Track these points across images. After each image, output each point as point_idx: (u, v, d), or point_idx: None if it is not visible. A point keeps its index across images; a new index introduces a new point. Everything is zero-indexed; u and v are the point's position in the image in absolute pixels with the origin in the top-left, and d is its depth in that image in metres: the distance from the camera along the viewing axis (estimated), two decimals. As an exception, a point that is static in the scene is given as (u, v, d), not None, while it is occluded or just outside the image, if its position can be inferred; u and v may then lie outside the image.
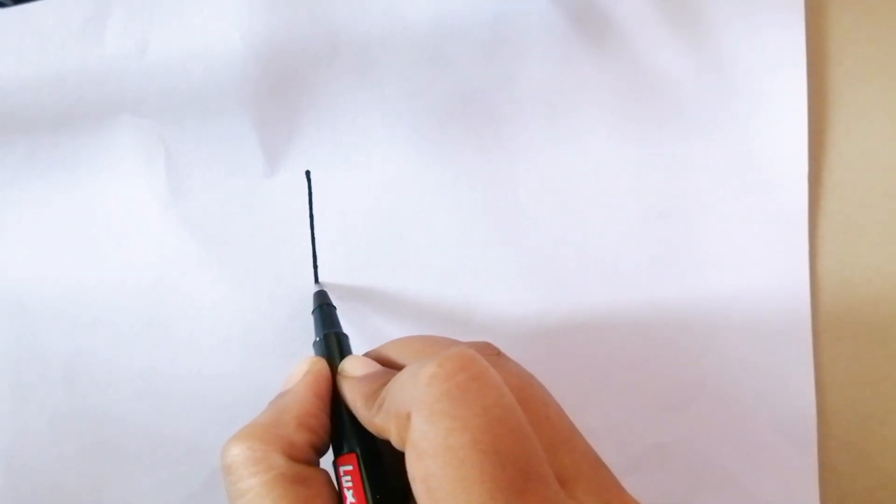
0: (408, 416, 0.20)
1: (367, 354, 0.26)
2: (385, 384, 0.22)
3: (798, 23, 0.31)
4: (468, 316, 0.33)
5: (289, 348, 0.33)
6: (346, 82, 0.33)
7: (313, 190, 0.33)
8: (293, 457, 0.22)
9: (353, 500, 0.22)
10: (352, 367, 0.25)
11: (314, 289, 0.32)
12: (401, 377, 0.22)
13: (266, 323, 0.33)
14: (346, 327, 0.29)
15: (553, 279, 0.32)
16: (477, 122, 0.32)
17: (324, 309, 0.30)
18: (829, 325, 0.31)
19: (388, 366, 0.25)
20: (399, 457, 0.21)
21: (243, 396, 0.33)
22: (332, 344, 0.27)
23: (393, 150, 0.33)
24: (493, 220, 0.32)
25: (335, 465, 0.24)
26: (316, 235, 0.33)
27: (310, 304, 0.32)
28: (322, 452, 0.24)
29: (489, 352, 0.24)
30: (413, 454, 0.19)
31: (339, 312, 0.30)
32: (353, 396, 0.24)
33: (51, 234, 0.34)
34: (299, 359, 0.26)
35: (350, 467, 0.23)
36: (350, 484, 0.23)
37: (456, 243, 0.33)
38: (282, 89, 0.33)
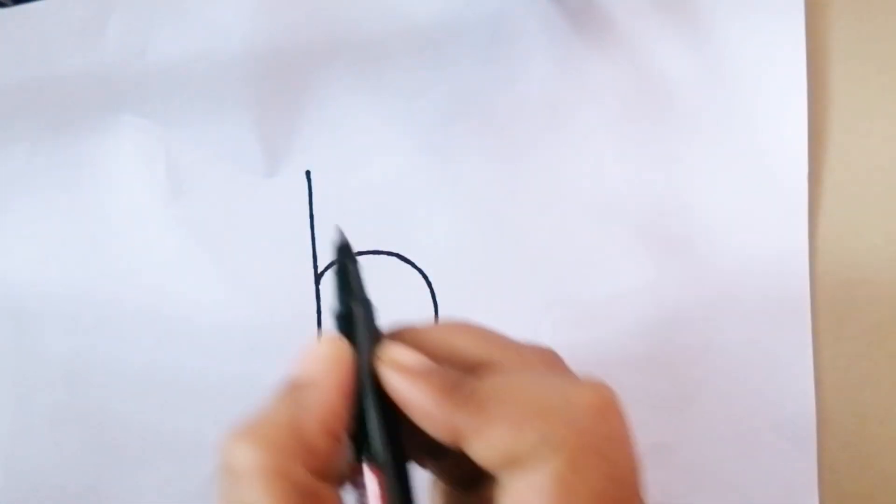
0: (544, 437, 0.18)
1: (396, 336, 0.22)
2: (462, 378, 0.20)
3: (798, 22, 0.31)
4: (468, 316, 0.33)
5: (288, 348, 0.33)
6: (346, 82, 0.33)
7: (313, 190, 0.33)
8: (313, 469, 0.19)
9: None
10: (404, 357, 0.21)
11: (337, 241, 0.25)
12: (528, 384, 0.20)
13: (266, 323, 0.33)
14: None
15: (553, 279, 0.32)
16: (477, 122, 0.32)
17: (348, 269, 0.23)
18: (829, 325, 0.31)
19: (436, 354, 0.21)
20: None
21: (243, 396, 0.33)
22: (360, 320, 0.22)
23: (393, 150, 0.33)
24: (493, 220, 0.32)
25: (354, 475, 0.21)
26: (316, 235, 0.33)
27: (310, 304, 0.32)
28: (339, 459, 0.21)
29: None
30: (547, 482, 0.17)
31: None
32: (418, 387, 0.20)
33: (51, 233, 0.34)
34: (319, 337, 0.22)
35: (375, 484, 0.20)
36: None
37: (456, 243, 0.33)
38: (282, 89, 0.33)
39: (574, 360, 0.32)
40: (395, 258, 0.32)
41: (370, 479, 0.20)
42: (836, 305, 0.31)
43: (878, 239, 0.31)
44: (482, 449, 0.19)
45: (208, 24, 0.33)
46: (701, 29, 0.31)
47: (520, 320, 0.32)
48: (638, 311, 0.32)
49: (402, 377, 0.20)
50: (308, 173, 0.33)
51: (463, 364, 0.21)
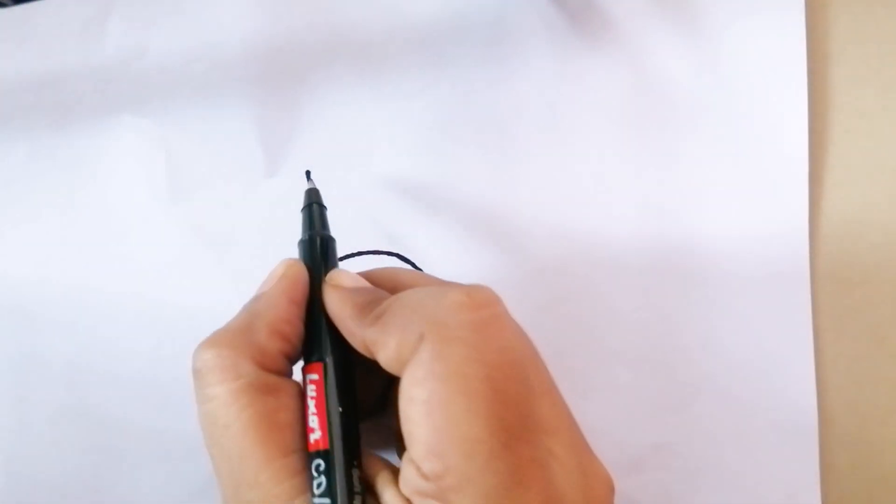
0: (420, 335, 0.19)
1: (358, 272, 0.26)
2: (379, 299, 0.22)
3: (799, 22, 0.31)
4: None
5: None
6: (346, 82, 0.33)
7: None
8: (263, 365, 0.22)
9: (314, 412, 0.21)
10: (343, 278, 0.24)
11: (307, 186, 0.30)
12: (415, 295, 0.22)
13: (266, 323, 0.33)
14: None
15: (553, 278, 0.32)
16: (477, 121, 0.32)
17: (313, 209, 0.27)
18: (829, 325, 0.31)
19: (380, 285, 0.25)
20: (371, 380, 0.21)
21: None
22: (318, 247, 0.26)
23: (393, 151, 0.33)
24: (494, 220, 0.32)
25: (303, 372, 0.23)
26: (316, 235, 0.33)
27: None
28: (295, 361, 0.24)
29: None
30: (419, 373, 0.19)
31: None
32: (342, 306, 0.23)
33: (51, 234, 0.34)
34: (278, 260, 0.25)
35: (316, 377, 0.22)
36: (314, 394, 0.22)
37: (456, 243, 0.33)
38: (282, 89, 0.33)
39: (574, 360, 0.32)
40: (394, 258, 0.32)
41: (314, 375, 0.22)
42: (836, 305, 0.31)
43: (879, 238, 0.31)
44: (384, 357, 0.21)
45: (208, 24, 0.33)
46: (701, 28, 0.31)
47: (520, 319, 0.32)
48: (638, 311, 0.32)
49: (333, 294, 0.24)
50: (308, 173, 0.33)
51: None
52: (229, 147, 0.33)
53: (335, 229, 0.33)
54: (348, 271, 0.25)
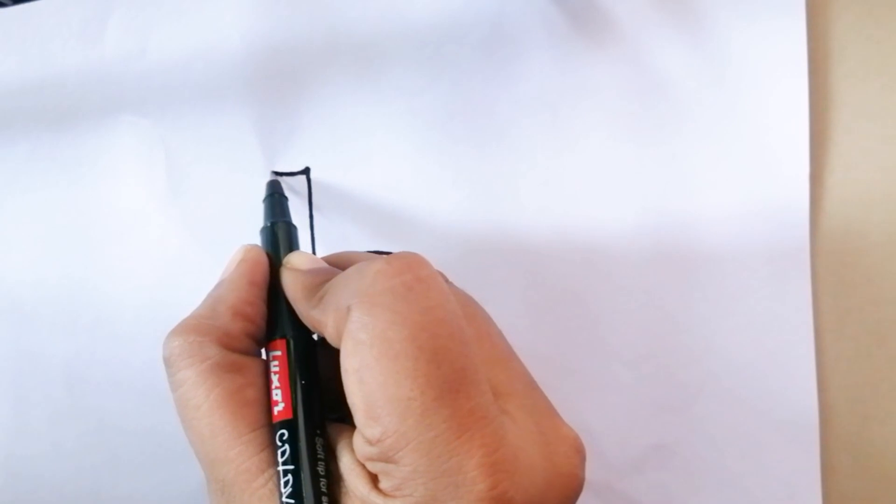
0: (348, 309, 0.20)
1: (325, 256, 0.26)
2: (328, 280, 0.23)
3: (799, 22, 0.31)
4: (468, 316, 0.32)
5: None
6: (346, 82, 0.33)
7: (313, 189, 0.33)
8: (229, 346, 0.23)
9: (277, 385, 0.22)
10: (298, 260, 0.25)
11: (268, 178, 0.31)
12: (346, 273, 0.22)
13: (266, 323, 0.33)
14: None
15: (553, 279, 0.32)
16: (477, 122, 0.32)
17: (275, 198, 0.29)
18: (830, 325, 0.31)
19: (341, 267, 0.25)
20: (331, 357, 0.21)
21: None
22: (279, 233, 0.27)
23: (393, 150, 0.33)
24: (494, 220, 0.32)
25: (266, 350, 0.24)
26: (316, 235, 0.33)
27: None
28: (260, 341, 0.24)
29: None
30: (349, 344, 0.20)
31: None
32: (294, 288, 0.24)
33: (51, 233, 0.34)
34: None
35: (278, 353, 0.23)
36: (276, 369, 0.23)
37: (456, 244, 0.33)
38: (282, 89, 0.33)
39: (574, 360, 0.32)
40: None
41: (277, 351, 0.23)
42: (837, 305, 0.31)
43: (879, 239, 0.31)
44: (328, 336, 0.21)
45: (208, 24, 0.33)
46: (702, 28, 0.31)
47: (521, 319, 0.32)
48: (638, 312, 0.32)
49: (288, 276, 0.24)
50: (308, 171, 0.33)
51: None
52: (229, 147, 0.33)
53: (335, 228, 0.33)
54: (307, 253, 0.26)
